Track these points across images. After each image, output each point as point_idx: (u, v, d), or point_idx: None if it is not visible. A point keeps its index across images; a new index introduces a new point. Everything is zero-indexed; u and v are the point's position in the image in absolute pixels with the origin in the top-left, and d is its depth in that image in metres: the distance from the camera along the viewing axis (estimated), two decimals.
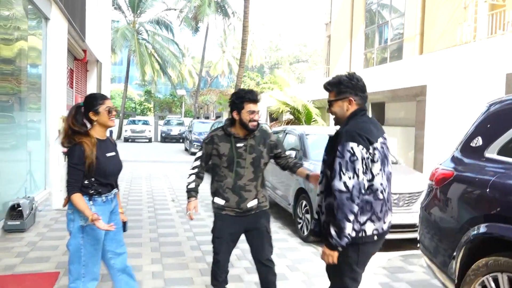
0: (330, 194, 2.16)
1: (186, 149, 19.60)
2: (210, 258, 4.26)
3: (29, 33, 6.57)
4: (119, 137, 29.33)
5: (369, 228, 2.19)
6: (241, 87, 25.47)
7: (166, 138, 26.46)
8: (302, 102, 12.09)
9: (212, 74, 52.30)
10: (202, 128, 17.86)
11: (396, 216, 4.71)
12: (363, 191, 2.09)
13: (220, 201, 2.84)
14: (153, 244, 4.82)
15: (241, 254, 4.45)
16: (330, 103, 2.30)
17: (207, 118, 34.71)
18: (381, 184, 2.17)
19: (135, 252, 4.51)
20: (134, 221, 5.92)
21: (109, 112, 2.57)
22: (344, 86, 2.28)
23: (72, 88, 11.90)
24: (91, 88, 15.17)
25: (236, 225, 2.88)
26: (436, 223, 2.98)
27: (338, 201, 2.08)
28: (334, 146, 2.20)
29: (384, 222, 2.25)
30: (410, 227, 4.79)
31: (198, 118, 32.38)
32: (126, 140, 26.59)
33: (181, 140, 26.25)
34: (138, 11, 29.34)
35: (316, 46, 54.54)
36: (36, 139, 7.01)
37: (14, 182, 5.87)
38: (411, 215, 4.78)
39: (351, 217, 2.08)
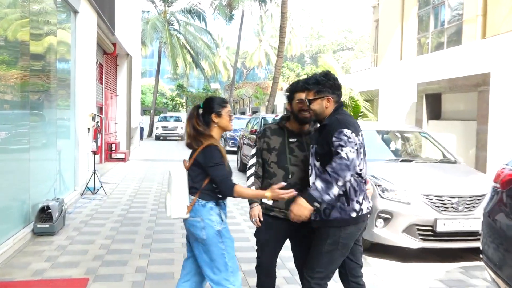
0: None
1: None
2: (246, 266, 4.28)
3: (58, 27, 6.78)
4: (150, 134, 29.61)
5: (364, 206, 2.57)
6: (280, 79, 25.49)
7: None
8: (350, 93, 11.51)
9: (248, 66, 52.26)
10: (237, 124, 17.53)
11: (455, 223, 4.67)
12: (357, 170, 2.47)
13: (268, 200, 2.80)
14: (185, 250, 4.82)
15: (279, 263, 4.36)
16: (310, 101, 2.65)
17: (242, 113, 34.86)
18: (363, 171, 2.57)
19: (167, 258, 4.57)
20: (165, 225, 6.02)
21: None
22: (322, 86, 2.63)
23: (101, 83, 12.12)
24: (121, 84, 15.68)
25: (284, 229, 2.88)
26: (502, 231, 2.93)
27: (337, 164, 2.36)
28: (323, 136, 2.50)
29: (369, 203, 2.64)
30: (471, 234, 4.71)
31: (233, 113, 33.42)
32: (158, 138, 26.80)
33: None
34: (169, 0, 29.78)
35: (363, 32, 52.88)
36: (65, 138, 7.25)
37: (44, 182, 6.08)
38: (472, 221, 4.70)
39: (341, 183, 2.36)
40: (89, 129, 8.46)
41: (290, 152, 2.86)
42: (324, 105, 2.64)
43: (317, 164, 2.55)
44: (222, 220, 2.60)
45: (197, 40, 29.79)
